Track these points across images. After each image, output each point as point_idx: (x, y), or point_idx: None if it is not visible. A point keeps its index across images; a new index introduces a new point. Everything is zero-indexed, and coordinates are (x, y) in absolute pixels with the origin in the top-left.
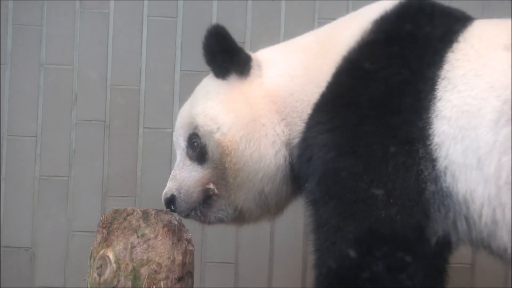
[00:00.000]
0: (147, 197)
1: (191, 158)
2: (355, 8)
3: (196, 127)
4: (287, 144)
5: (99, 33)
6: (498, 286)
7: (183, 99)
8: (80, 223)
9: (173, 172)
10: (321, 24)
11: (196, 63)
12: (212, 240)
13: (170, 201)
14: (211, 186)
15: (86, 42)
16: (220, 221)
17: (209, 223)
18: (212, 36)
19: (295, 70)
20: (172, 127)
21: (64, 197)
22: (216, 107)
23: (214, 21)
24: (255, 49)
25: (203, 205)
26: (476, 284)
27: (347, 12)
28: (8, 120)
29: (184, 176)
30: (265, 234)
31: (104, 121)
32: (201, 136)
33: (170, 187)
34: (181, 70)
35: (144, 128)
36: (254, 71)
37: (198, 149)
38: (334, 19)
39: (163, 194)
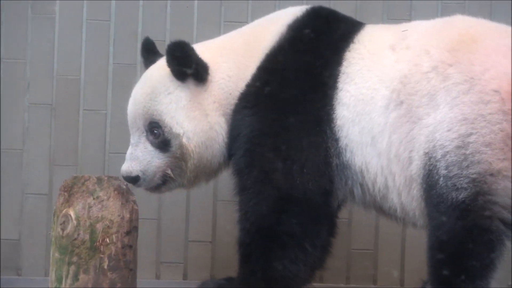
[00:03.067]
0: (86, 165)
1: (152, 144)
2: (254, 12)
3: (159, 121)
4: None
5: (48, 33)
6: (396, 270)
7: (115, 86)
8: (32, 187)
9: (133, 152)
10: (227, 26)
11: (126, 58)
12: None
13: (134, 179)
14: (169, 172)
15: (37, 40)
16: (163, 192)
17: (154, 194)
18: (176, 48)
19: (231, 70)
20: (105, 109)
21: (19, 166)
22: (180, 112)
23: (139, 23)
24: None
25: (160, 184)
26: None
27: (248, 16)
28: None
29: (148, 160)
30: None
31: (51, 104)
32: (166, 132)
33: (133, 167)
34: (113, 63)
35: (83, 110)
36: (208, 77)
37: (160, 139)
38: (237, 21)
39: (125, 171)
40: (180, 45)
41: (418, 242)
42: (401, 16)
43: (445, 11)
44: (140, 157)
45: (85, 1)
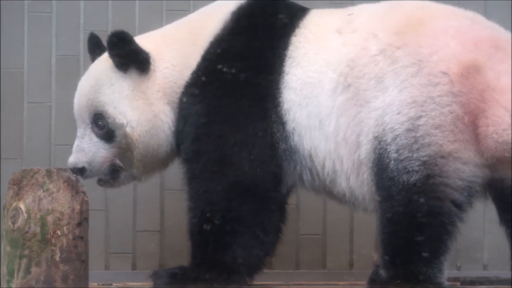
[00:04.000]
0: (32, 159)
1: (97, 135)
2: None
3: (103, 112)
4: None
5: None
6: (345, 254)
7: (59, 78)
8: None
9: (79, 144)
10: (169, 15)
11: (68, 49)
12: None
13: (80, 171)
14: (117, 161)
15: None
16: (122, 185)
17: (113, 187)
18: (116, 39)
19: (175, 59)
20: (50, 101)
21: None
22: (123, 102)
23: (82, 14)
24: None
25: (110, 176)
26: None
27: (190, 4)
28: None
29: (93, 151)
30: None
31: None
32: (110, 123)
33: (79, 159)
34: (56, 55)
35: (28, 103)
36: (151, 67)
37: (105, 129)
38: (180, 10)
39: (72, 163)
40: (120, 35)
41: (367, 226)
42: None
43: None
44: (85, 148)
45: None
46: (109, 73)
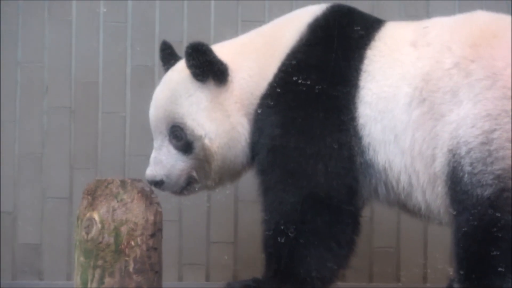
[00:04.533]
0: (106, 168)
1: (175, 147)
2: (272, 11)
3: (181, 124)
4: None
5: (65, 36)
6: (419, 268)
7: (134, 88)
8: (52, 191)
9: (157, 155)
10: (244, 25)
11: (143, 59)
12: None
13: (158, 184)
14: (194, 174)
15: (54, 44)
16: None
17: (183, 196)
18: (195, 50)
19: (252, 70)
20: (124, 111)
21: (39, 170)
22: (201, 113)
23: (156, 24)
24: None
25: (185, 187)
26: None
27: (265, 14)
28: None
29: (171, 163)
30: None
31: (70, 107)
32: (188, 134)
33: (157, 171)
34: (131, 65)
35: (102, 112)
36: (228, 78)
37: (183, 141)
38: (255, 20)
39: (150, 175)
40: (198, 46)
41: (441, 239)
42: (418, 13)
43: (462, 6)
44: (163, 160)
45: (101, 2)
46: (186, 84)
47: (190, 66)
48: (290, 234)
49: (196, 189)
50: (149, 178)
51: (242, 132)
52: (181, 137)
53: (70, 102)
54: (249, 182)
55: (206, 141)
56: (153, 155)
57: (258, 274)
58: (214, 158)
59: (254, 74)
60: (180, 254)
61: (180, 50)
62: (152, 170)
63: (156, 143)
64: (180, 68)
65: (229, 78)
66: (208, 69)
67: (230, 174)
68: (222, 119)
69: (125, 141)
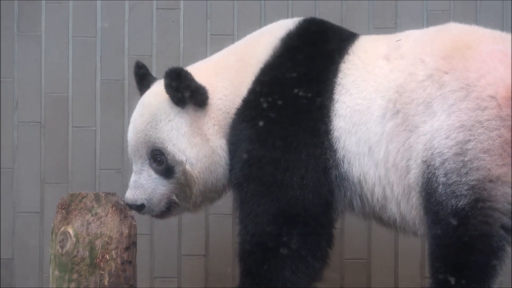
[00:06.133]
0: (77, 183)
1: (156, 171)
2: (240, 25)
3: (162, 148)
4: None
5: (34, 51)
6: (390, 278)
7: (104, 102)
8: (23, 205)
9: (137, 179)
10: (213, 39)
11: (113, 74)
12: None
13: (139, 207)
14: (174, 197)
15: (24, 59)
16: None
17: (166, 219)
18: (174, 75)
19: (227, 89)
20: (94, 125)
21: (9, 185)
22: (182, 139)
23: (126, 38)
24: (159, 63)
25: (165, 211)
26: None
27: (234, 28)
28: None
29: (152, 187)
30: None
31: (40, 122)
32: (169, 159)
33: (138, 196)
34: (101, 79)
35: (72, 127)
36: (207, 101)
37: (163, 166)
38: (223, 34)
39: (131, 199)
40: (178, 72)
41: (411, 250)
42: (387, 25)
43: (430, 19)
44: (144, 185)
45: (70, 19)
46: (166, 109)
47: (170, 91)
48: (265, 246)
49: (177, 212)
50: (130, 202)
51: (223, 155)
52: (162, 162)
53: (40, 116)
54: None
55: (187, 167)
56: (132, 178)
57: (229, 287)
58: (195, 183)
59: (229, 93)
60: (152, 267)
61: (149, 64)
62: (133, 194)
63: (135, 167)
64: (159, 92)
65: (208, 101)
66: (189, 95)
67: (211, 196)
68: (202, 144)
69: (96, 155)
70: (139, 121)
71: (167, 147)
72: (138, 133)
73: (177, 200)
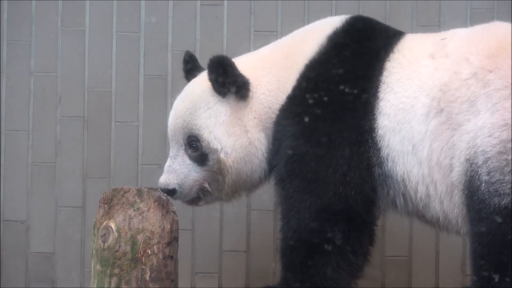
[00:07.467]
0: (119, 178)
1: (190, 157)
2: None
3: (198, 135)
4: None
5: (78, 46)
6: (431, 276)
7: (146, 98)
8: (65, 200)
9: (171, 164)
10: (257, 36)
11: (156, 69)
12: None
13: (171, 192)
14: (206, 185)
15: (67, 54)
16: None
17: (197, 206)
18: (218, 64)
19: (271, 84)
20: (137, 121)
21: (52, 179)
22: (220, 127)
23: (169, 34)
24: (202, 59)
25: (196, 198)
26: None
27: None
28: (5, 118)
29: (185, 173)
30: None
31: (83, 117)
32: (204, 146)
33: (171, 180)
34: (144, 75)
35: (115, 122)
36: (249, 93)
37: (198, 152)
38: (267, 31)
39: (163, 183)
40: (221, 60)
41: (453, 247)
42: (430, 23)
43: (474, 17)
44: (177, 170)
45: (114, 14)
46: (206, 97)
47: (212, 79)
48: (307, 242)
49: (209, 200)
50: (161, 186)
51: (260, 147)
52: (197, 148)
53: (83, 111)
54: (261, 191)
55: (222, 155)
56: (167, 163)
57: (270, 283)
58: (228, 172)
59: (273, 88)
60: (193, 263)
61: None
62: (166, 179)
63: (172, 152)
64: (202, 80)
65: (250, 93)
66: (230, 84)
67: (245, 188)
68: (240, 134)
69: (138, 150)
70: (180, 107)
71: (203, 134)
72: (177, 119)
73: (209, 188)
